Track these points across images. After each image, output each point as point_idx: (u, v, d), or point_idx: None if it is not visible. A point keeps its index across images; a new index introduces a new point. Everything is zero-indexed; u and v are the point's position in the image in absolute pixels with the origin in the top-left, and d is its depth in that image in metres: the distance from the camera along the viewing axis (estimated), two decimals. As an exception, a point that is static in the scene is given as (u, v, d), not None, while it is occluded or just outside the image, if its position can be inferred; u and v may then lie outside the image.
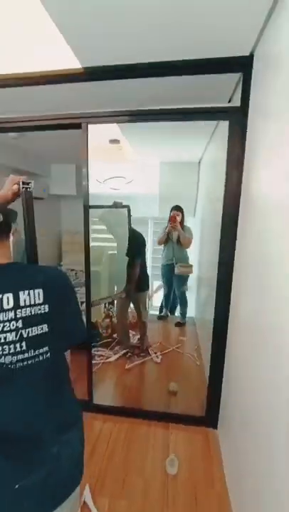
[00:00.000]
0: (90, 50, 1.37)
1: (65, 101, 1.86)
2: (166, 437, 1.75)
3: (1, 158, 2.72)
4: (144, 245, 2.70)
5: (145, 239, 2.71)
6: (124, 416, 1.91)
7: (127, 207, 2.65)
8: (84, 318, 0.87)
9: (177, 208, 3.04)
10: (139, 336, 2.91)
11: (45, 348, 0.67)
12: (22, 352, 0.63)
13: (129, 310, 2.87)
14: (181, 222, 3.05)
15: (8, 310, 0.62)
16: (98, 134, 2.71)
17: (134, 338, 2.94)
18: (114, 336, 2.92)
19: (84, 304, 1.83)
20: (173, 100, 1.60)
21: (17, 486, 0.63)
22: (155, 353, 2.67)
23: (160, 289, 3.80)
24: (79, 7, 1.08)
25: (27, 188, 0.83)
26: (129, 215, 2.66)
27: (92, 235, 1.86)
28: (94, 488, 1.40)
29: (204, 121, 1.96)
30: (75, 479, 0.74)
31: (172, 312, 3.63)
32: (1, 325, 0.61)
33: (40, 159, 3.41)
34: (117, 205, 2.58)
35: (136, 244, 2.61)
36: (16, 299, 0.63)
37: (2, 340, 0.61)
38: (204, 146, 2.86)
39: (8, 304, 0.62)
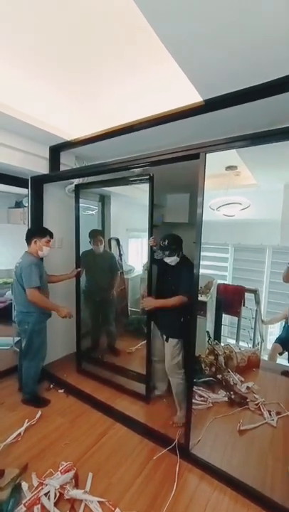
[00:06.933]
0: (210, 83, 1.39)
1: (183, 136, 1.95)
2: None
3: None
4: None
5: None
6: (224, 483, 1.58)
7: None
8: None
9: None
10: (248, 385, 2.49)
11: None
12: None
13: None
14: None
15: None
16: (214, 162, 2.68)
17: (242, 386, 2.52)
18: (219, 376, 2.60)
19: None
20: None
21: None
22: (269, 413, 2.18)
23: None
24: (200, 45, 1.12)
25: None
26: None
27: (203, 262, 1.78)
28: None
29: None
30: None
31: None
32: None
33: (158, 191, 3.71)
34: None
35: None
36: None
37: None
38: None
39: None
